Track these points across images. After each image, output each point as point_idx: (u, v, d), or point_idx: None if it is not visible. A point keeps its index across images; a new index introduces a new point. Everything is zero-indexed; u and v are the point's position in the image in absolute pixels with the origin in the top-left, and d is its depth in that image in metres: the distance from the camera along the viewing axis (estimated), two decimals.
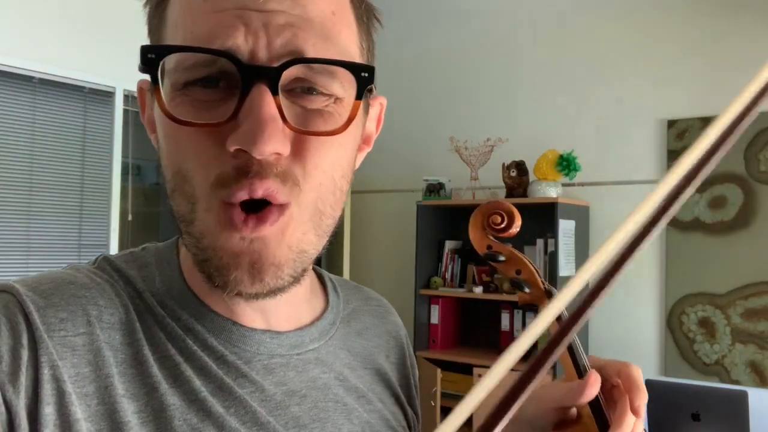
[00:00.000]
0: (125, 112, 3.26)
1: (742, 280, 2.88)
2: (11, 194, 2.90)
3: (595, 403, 0.56)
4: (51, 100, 3.03)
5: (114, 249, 3.19)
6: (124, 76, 3.18)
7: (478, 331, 3.46)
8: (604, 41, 3.29)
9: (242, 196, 0.45)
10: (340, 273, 3.60)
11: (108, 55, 3.11)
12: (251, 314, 0.55)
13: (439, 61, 3.80)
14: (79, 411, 0.45)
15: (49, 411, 0.44)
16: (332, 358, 0.59)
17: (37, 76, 2.94)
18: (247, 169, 0.45)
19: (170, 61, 0.46)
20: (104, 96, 3.20)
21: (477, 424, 0.24)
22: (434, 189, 3.41)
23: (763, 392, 2.79)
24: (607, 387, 0.57)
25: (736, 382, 2.84)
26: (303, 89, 0.47)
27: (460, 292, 3.29)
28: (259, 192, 0.45)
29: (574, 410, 0.58)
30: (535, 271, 0.68)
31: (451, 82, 3.75)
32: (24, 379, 0.44)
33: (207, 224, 0.47)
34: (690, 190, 0.24)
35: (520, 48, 3.55)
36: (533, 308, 0.68)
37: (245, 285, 0.47)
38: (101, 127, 3.21)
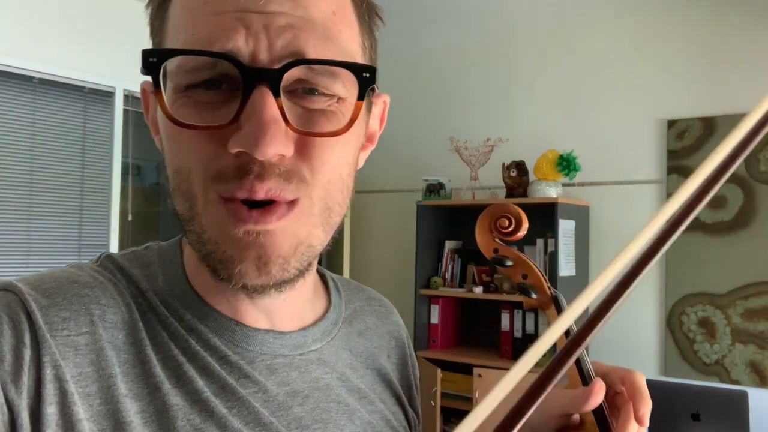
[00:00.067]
0: (125, 112, 3.26)
1: (742, 280, 2.88)
2: (11, 194, 2.90)
3: (598, 410, 0.55)
4: (51, 100, 3.03)
5: (114, 249, 3.19)
6: (124, 76, 3.18)
7: (478, 331, 3.46)
8: (604, 41, 3.29)
9: (241, 194, 0.45)
10: (340, 273, 3.60)
11: (108, 55, 3.11)
12: (255, 314, 0.55)
13: (439, 61, 3.80)
14: (81, 411, 0.45)
15: (51, 411, 0.44)
16: (334, 359, 0.59)
17: (37, 76, 2.94)
18: (247, 168, 0.45)
19: (172, 63, 0.46)
20: (104, 96, 3.20)
21: None
22: (434, 189, 3.41)
23: (763, 392, 2.79)
24: (610, 394, 0.56)
25: (736, 382, 2.84)
26: (305, 90, 0.47)
27: (460, 292, 3.29)
28: (260, 194, 0.45)
29: (577, 416, 0.58)
30: (541, 276, 0.67)
31: (451, 82, 3.75)
32: (26, 378, 0.44)
33: (208, 218, 0.47)
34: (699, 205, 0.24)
35: (520, 48, 3.54)
36: (534, 309, 0.68)
37: (251, 277, 0.47)
38: (101, 127, 3.21)
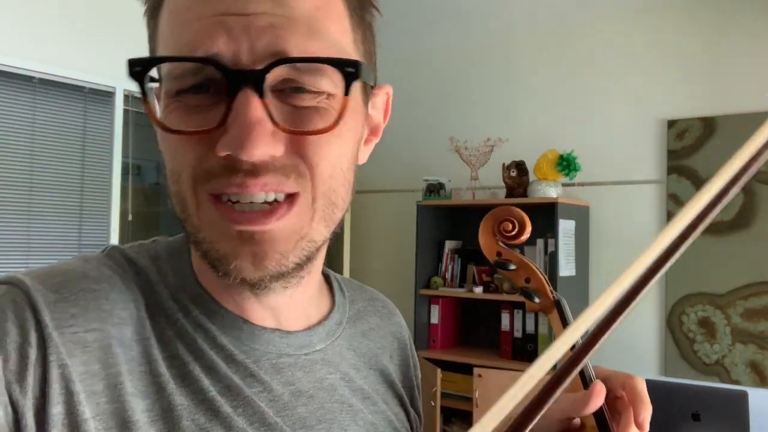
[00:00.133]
0: (125, 112, 3.26)
1: (742, 280, 2.88)
2: (11, 194, 2.90)
3: (599, 415, 0.55)
4: (51, 100, 3.02)
5: None
6: (124, 76, 3.16)
7: (478, 331, 3.46)
8: (604, 41, 3.29)
9: (230, 190, 0.46)
10: (340, 273, 3.59)
11: (108, 55, 3.11)
12: (261, 312, 0.55)
13: (439, 61, 3.80)
14: (87, 410, 0.44)
15: (57, 411, 0.44)
16: (338, 359, 0.59)
17: (37, 76, 2.94)
18: (235, 167, 0.45)
19: (164, 69, 0.47)
20: (104, 96, 3.20)
21: None
22: (434, 189, 3.41)
23: (763, 392, 2.79)
24: (611, 398, 0.56)
25: (736, 382, 2.84)
26: (292, 89, 0.47)
27: (460, 292, 3.29)
28: (255, 188, 0.45)
29: (578, 420, 0.58)
30: (544, 280, 0.67)
31: (451, 82, 3.75)
32: (31, 378, 0.44)
33: (200, 219, 0.48)
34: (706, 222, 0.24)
35: (520, 48, 3.54)
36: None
37: (247, 272, 0.47)
38: (101, 127, 3.21)
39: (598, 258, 3.22)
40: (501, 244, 0.68)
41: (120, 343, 0.48)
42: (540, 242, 3.04)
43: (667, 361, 3.03)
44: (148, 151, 3.37)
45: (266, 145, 0.44)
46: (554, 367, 0.23)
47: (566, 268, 3.00)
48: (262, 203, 0.46)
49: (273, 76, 0.45)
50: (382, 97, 0.58)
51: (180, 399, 0.48)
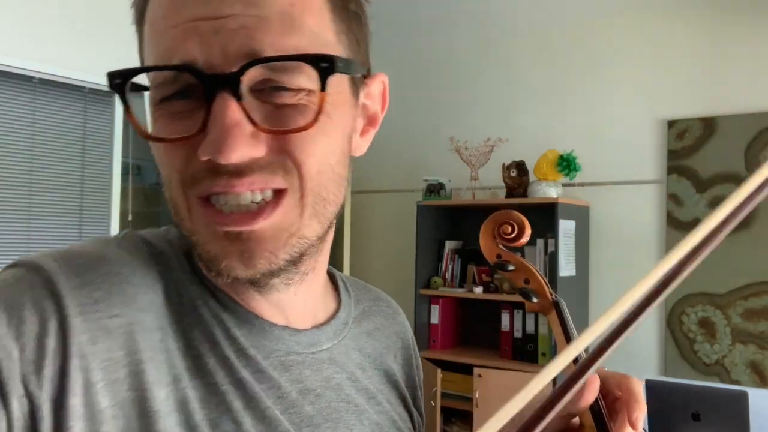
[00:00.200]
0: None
1: (742, 280, 2.88)
2: (11, 194, 2.90)
3: (597, 414, 0.56)
4: (51, 100, 3.03)
5: None
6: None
7: (478, 331, 3.46)
8: (604, 41, 3.29)
9: (217, 189, 0.46)
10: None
11: (108, 55, 3.10)
12: (270, 309, 0.55)
13: (439, 61, 3.80)
14: (105, 400, 0.44)
15: (76, 402, 0.43)
16: (344, 359, 0.60)
17: (37, 76, 2.94)
18: (219, 169, 0.46)
19: (149, 78, 0.48)
20: (104, 96, 3.20)
21: None
22: (434, 189, 3.41)
23: (763, 392, 2.79)
24: (610, 399, 0.57)
25: (736, 382, 2.84)
26: (272, 88, 0.46)
27: (460, 292, 3.29)
28: (242, 188, 0.46)
29: (576, 420, 0.58)
30: (543, 281, 0.68)
31: (451, 82, 3.75)
32: (48, 370, 0.43)
33: (193, 222, 0.49)
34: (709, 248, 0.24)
35: (519, 48, 3.55)
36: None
37: (238, 271, 0.48)
38: (101, 127, 3.21)
39: (598, 258, 3.22)
40: (501, 246, 0.69)
41: (143, 329, 0.48)
42: (540, 242, 3.05)
43: (667, 361, 3.03)
44: (148, 151, 3.35)
45: (244, 147, 0.44)
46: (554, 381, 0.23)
47: (566, 268, 3.00)
48: (250, 203, 0.47)
49: (249, 77, 0.45)
50: (377, 86, 0.57)
51: (193, 392, 0.48)
